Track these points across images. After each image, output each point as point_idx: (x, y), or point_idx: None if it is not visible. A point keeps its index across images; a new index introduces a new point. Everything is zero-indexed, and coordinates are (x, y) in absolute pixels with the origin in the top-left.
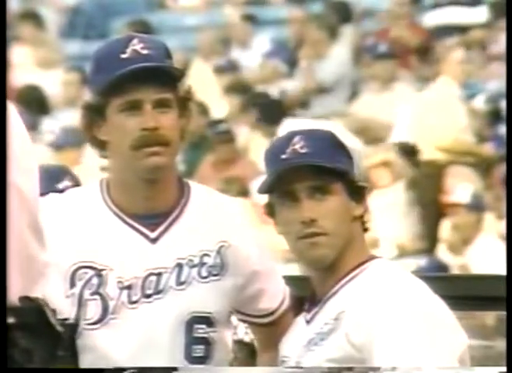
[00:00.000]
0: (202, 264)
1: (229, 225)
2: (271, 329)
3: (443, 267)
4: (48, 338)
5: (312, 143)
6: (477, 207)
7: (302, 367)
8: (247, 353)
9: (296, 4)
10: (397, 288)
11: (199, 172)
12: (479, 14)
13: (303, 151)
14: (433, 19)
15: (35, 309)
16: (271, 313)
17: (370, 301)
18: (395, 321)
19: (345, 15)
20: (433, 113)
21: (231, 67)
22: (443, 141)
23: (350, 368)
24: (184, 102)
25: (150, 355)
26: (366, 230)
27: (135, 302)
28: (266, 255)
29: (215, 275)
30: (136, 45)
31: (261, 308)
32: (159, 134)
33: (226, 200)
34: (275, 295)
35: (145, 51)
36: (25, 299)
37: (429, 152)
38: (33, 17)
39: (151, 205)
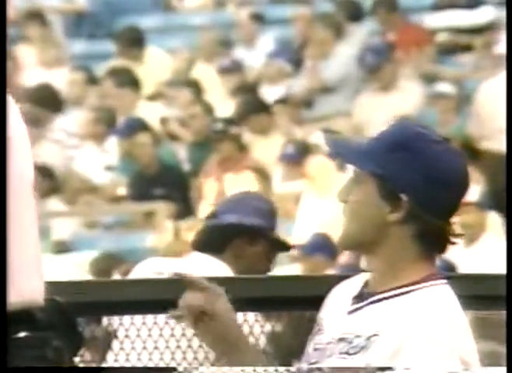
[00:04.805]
0: None
1: None
2: None
3: (450, 267)
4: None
5: None
6: (484, 205)
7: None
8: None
9: (302, 3)
10: (435, 331)
11: (205, 170)
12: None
13: None
14: (434, 20)
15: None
16: None
17: (404, 334)
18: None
19: (353, 13)
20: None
21: (235, 68)
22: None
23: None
24: None
25: None
26: (441, 250)
27: None
28: None
29: None
30: None
31: None
32: None
33: None
34: None
35: None
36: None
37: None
38: (38, 16)
39: None
